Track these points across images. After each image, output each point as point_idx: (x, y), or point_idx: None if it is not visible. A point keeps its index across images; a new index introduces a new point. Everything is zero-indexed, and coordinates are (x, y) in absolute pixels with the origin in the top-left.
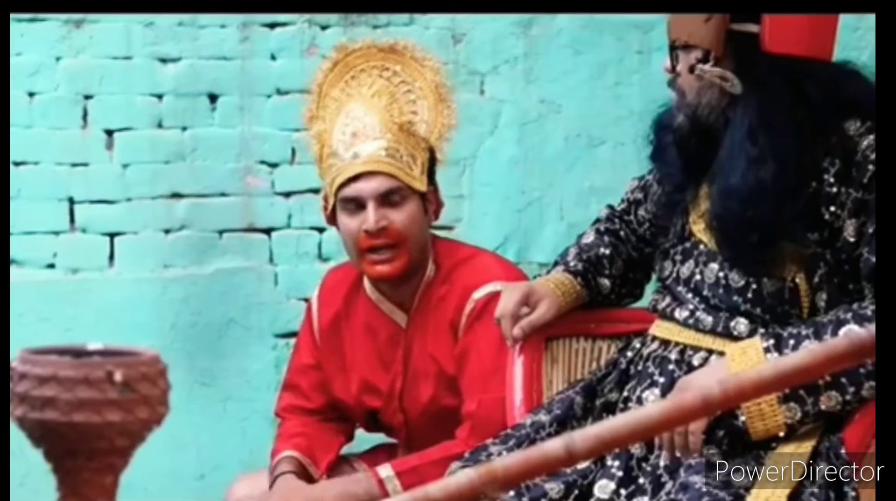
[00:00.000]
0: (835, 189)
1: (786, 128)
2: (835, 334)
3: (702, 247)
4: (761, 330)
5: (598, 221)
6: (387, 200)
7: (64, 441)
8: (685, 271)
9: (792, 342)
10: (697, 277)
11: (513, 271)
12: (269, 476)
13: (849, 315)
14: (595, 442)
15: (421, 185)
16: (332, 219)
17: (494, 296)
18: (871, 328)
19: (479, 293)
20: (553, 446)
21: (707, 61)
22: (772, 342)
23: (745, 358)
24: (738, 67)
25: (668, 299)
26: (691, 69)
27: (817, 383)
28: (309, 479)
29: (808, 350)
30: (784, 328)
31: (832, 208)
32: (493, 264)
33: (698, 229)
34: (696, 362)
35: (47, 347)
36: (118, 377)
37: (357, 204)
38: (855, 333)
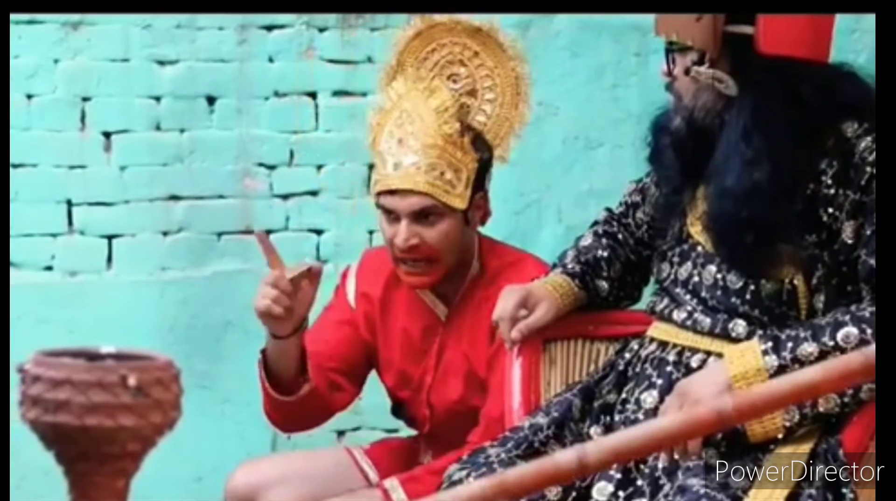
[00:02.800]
0: (832, 191)
1: (780, 129)
2: (832, 336)
3: (699, 249)
4: (759, 332)
5: (596, 223)
6: (421, 217)
7: (76, 444)
8: (683, 272)
9: (790, 344)
10: (695, 278)
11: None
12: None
13: (847, 317)
14: (608, 454)
15: (461, 202)
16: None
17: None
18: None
19: None
20: (566, 457)
21: (702, 63)
22: (770, 344)
23: (744, 361)
24: (733, 68)
25: (666, 301)
26: (687, 71)
27: None
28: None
29: (822, 365)
30: (782, 330)
31: (830, 210)
32: (540, 271)
33: (696, 230)
34: (694, 363)
35: (60, 349)
36: (132, 381)
37: (393, 215)
38: (869, 349)
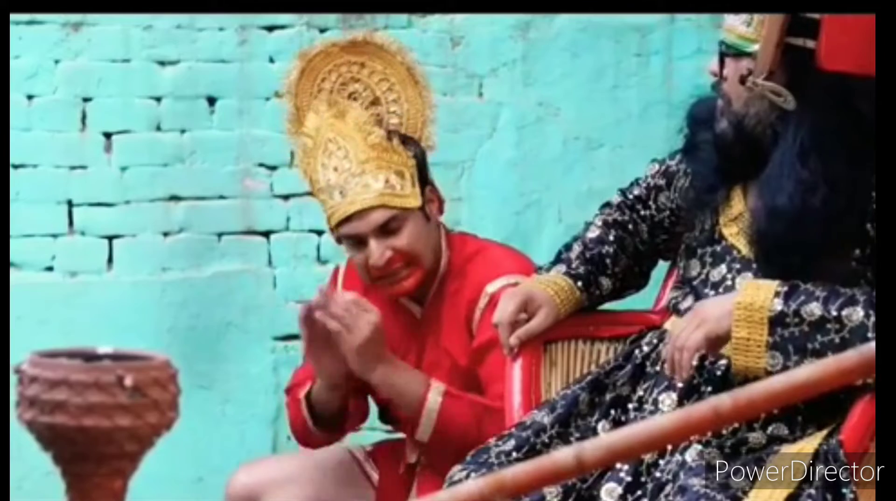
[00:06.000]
0: None
1: (839, 151)
2: (839, 309)
3: (735, 253)
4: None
5: (607, 206)
6: (386, 229)
7: (73, 445)
8: (716, 274)
9: (802, 298)
10: (728, 283)
11: (524, 262)
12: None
13: (863, 298)
14: (605, 453)
15: (415, 200)
16: (340, 241)
17: (509, 288)
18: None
19: (492, 287)
20: (563, 455)
21: (759, 73)
22: (785, 289)
23: (756, 294)
24: (789, 81)
25: (690, 300)
26: (742, 79)
27: (806, 346)
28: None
29: (819, 363)
30: (807, 281)
31: (875, 225)
32: (504, 257)
33: (730, 232)
34: (717, 371)
35: (57, 350)
36: (129, 381)
37: (358, 239)
38: (866, 347)
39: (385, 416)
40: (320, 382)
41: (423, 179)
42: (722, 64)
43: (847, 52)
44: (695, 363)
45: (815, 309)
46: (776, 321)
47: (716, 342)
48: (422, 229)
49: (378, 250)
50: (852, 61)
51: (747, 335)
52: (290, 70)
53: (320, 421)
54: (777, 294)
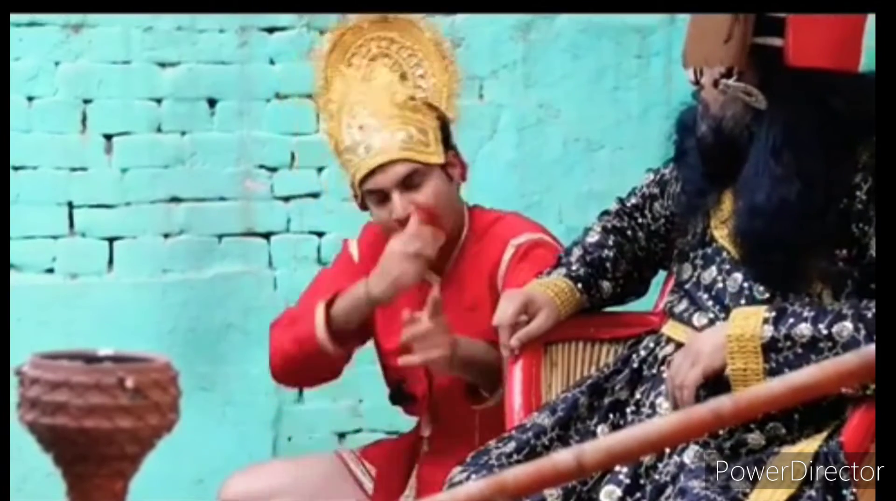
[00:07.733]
0: (864, 206)
1: (812, 146)
2: (829, 326)
3: (725, 254)
4: (775, 302)
5: (605, 214)
6: (408, 184)
7: (74, 446)
8: (706, 277)
9: (791, 320)
10: (719, 285)
11: (542, 227)
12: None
13: (850, 312)
14: (605, 455)
15: (438, 157)
16: (364, 206)
17: (535, 243)
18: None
19: (517, 240)
20: (563, 457)
21: (730, 75)
22: (773, 314)
23: (745, 323)
24: (761, 81)
25: (685, 304)
26: (715, 83)
27: (803, 366)
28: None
29: (819, 366)
30: (793, 303)
31: (861, 225)
32: (524, 221)
33: (720, 234)
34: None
35: (58, 352)
36: (130, 383)
37: (382, 195)
38: (866, 350)
39: (396, 396)
40: (367, 297)
41: (447, 142)
42: (699, 71)
43: (814, 47)
44: None
45: (805, 330)
46: (769, 348)
47: (713, 376)
48: (444, 188)
49: (400, 203)
50: (820, 57)
51: (743, 365)
52: (323, 42)
53: (335, 335)
54: (766, 320)
